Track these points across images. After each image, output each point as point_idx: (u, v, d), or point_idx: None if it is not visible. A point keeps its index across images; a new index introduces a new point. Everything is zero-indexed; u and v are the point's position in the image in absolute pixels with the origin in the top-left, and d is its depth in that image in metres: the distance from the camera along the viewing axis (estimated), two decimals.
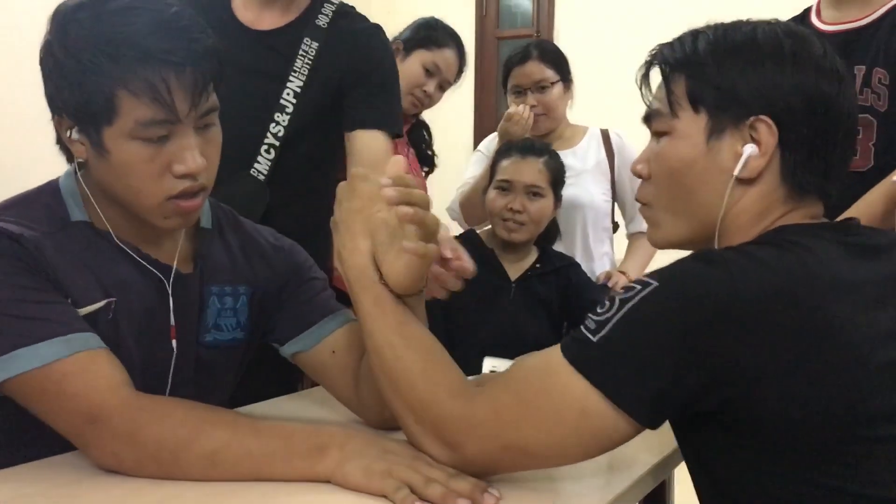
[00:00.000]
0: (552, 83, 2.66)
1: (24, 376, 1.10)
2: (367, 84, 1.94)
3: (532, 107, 2.63)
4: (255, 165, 1.89)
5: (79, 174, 1.24)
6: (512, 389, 1.04)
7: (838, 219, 1.13)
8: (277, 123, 1.89)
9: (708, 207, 1.10)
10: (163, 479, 1.10)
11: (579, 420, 0.98)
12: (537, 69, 2.66)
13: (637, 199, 1.19)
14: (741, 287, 0.93)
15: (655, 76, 1.16)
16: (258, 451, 1.10)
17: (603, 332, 0.97)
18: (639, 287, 0.98)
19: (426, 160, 2.74)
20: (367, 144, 1.92)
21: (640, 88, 1.17)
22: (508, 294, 2.29)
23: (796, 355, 0.92)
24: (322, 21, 1.95)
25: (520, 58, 2.72)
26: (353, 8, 2.05)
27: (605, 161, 2.69)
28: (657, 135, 1.15)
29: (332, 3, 2.00)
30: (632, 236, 2.79)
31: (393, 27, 2.54)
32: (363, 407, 1.38)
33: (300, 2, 1.96)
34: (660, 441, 1.21)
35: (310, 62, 1.91)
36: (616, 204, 2.75)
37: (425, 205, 1.14)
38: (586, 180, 2.57)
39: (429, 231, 1.14)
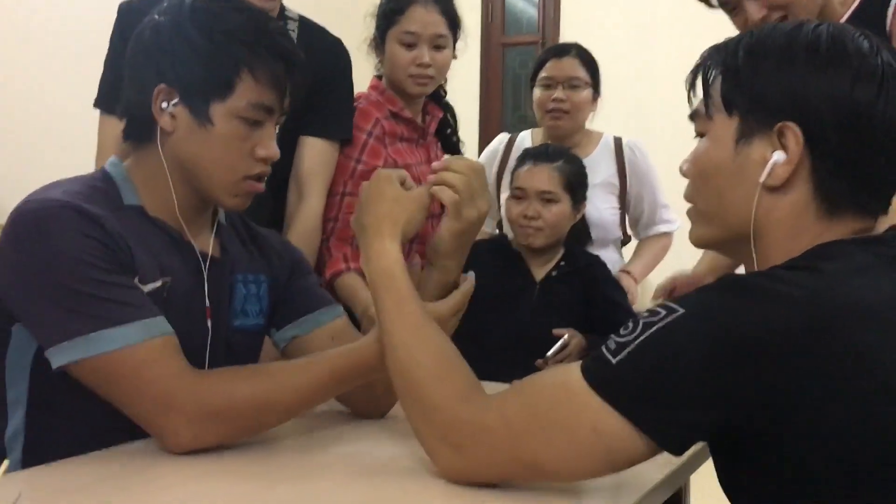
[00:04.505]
0: (585, 84, 2.64)
1: (102, 358, 1.16)
2: (324, 94, 2.02)
3: (560, 101, 2.61)
4: None
5: (160, 147, 1.32)
6: (526, 401, 1.04)
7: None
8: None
9: (737, 214, 1.06)
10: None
11: (592, 438, 0.98)
12: (574, 66, 2.64)
13: (684, 197, 1.17)
14: (770, 320, 0.91)
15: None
16: (321, 391, 1.29)
17: (622, 355, 0.96)
18: (663, 312, 0.96)
19: (451, 148, 2.49)
20: (313, 150, 2.08)
21: (688, 92, 1.14)
22: (532, 295, 2.32)
23: (826, 388, 0.89)
24: (292, 37, 2.01)
25: (558, 51, 2.71)
26: (312, 21, 2.11)
27: (614, 175, 2.67)
28: (699, 135, 1.13)
29: (294, 19, 2.05)
30: (642, 240, 2.82)
31: None
32: (355, 396, 1.43)
33: (270, 13, 1.99)
34: None
35: None
36: (627, 217, 2.75)
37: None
38: (594, 195, 2.53)
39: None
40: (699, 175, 1.11)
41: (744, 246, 1.07)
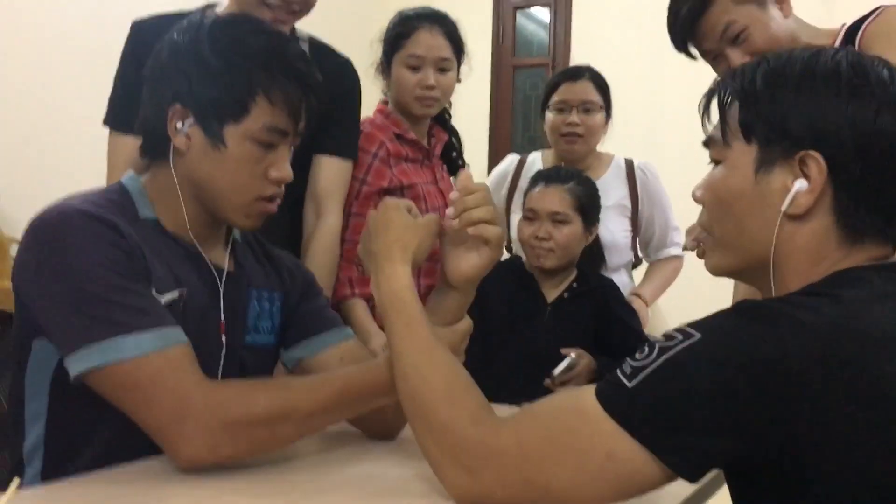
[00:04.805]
0: (599, 107, 2.65)
1: (118, 366, 1.15)
2: (336, 113, 2.02)
3: (574, 125, 2.61)
4: None
5: (172, 166, 1.33)
6: (539, 424, 1.03)
7: None
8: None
9: (758, 242, 1.06)
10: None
11: (605, 463, 0.96)
12: (588, 89, 2.65)
13: (699, 224, 1.16)
14: (789, 347, 0.90)
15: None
16: (335, 407, 1.28)
17: (638, 379, 0.95)
18: (680, 337, 0.95)
19: (456, 171, 2.51)
20: (329, 169, 2.10)
21: (702, 116, 1.13)
22: (543, 316, 2.33)
23: (844, 417, 0.89)
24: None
25: (571, 74, 2.70)
26: (322, 41, 2.13)
27: (626, 198, 2.68)
28: (714, 162, 1.12)
29: (304, 39, 2.08)
30: (652, 263, 2.82)
31: None
32: (366, 418, 1.43)
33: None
34: None
35: None
36: (637, 239, 2.74)
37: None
38: (607, 218, 2.53)
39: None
40: (717, 203, 1.10)
41: (762, 273, 1.06)
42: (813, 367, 0.89)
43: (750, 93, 1.06)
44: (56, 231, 1.20)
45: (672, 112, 4.74)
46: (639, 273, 2.84)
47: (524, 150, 2.97)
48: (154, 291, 1.24)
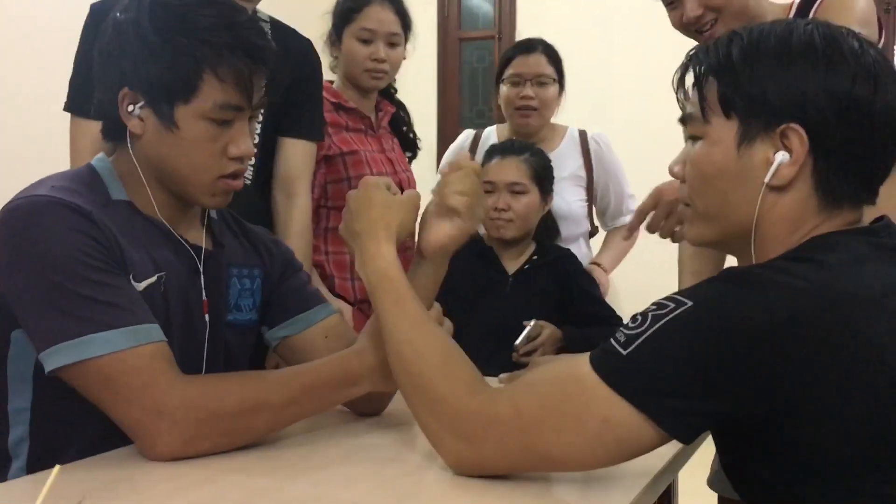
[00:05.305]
0: (552, 80, 2.70)
1: (91, 363, 1.14)
2: (300, 94, 2.08)
3: (529, 98, 2.66)
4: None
5: (131, 149, 1.30)
6: (536, 392, 1.06)
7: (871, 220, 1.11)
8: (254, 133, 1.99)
9: (740, 214, 1.07)
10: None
11: (602, 429, 1.00)
12: (541, 63, 2.69)
13: (679, 199, 1.19)
14: (775, 311, 0.93)
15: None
16: (307, 399, 1.28)
17: (633, 347, 0.98)
18: (672, 305, 0.98)
19: (408, 144, 2.62)
20: (294, 151, 2.13)
21: (676, 92, 1.14)
22: (505, 287, 2.39)
23: (835, 377, 0.92)
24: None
25: (525, 48, 2.74)
26: (283, 23, 2.15)
27: (581, 168, 2.73)
28: (693, 138, 1.13)
29: (265, 20, 2.09)
30: (609, 232, 2.87)
31: None
32: None
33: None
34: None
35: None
36: (594, 208, 2.80)
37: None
38: (563, 188, 2.60)
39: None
40: (700, 178, 1.11)
41: (742, 242, 1.09)
42: (801, 331, 0.93)
43: (727, 68, 1.07)
44: (27, 222, 1.18)
45: (618, 81, 4.80)
46: (595, 242, 2.89)
47: (472, 123, 3.03)
48: (132, 279, 1.23)
